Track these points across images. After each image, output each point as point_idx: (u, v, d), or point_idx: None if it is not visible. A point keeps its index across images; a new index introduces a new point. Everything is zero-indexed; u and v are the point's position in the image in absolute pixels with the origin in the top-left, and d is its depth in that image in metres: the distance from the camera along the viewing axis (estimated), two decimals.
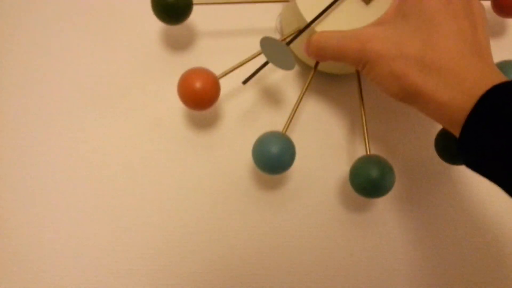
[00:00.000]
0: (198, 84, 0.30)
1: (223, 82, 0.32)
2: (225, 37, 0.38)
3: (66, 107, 0.36)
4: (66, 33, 0.38)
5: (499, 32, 0.41)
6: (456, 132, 0.25)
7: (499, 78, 0.24)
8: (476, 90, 0.23)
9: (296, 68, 0.38)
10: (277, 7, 0.39)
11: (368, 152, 0.32)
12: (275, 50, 0.30)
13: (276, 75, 0.38)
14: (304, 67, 0.38)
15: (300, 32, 0.31)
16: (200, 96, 0.31)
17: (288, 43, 0.31)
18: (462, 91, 0.24)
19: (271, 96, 0.37)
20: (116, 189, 0.35)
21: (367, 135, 0.32)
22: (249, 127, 0.36)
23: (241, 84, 0.33)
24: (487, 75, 0.24)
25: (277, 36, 0.39)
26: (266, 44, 0.30)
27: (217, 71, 0.33)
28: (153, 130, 0.36)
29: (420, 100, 0.26)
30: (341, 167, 0.36)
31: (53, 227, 0.34)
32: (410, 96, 0.27)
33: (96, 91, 0.37)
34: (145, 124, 0.36)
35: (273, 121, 0.37)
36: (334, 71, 0.37)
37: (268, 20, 0.39)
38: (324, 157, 0.36)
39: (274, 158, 0.29)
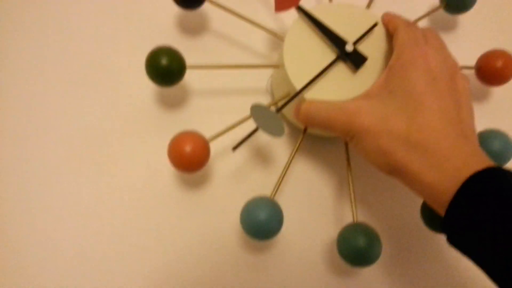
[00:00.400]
0: (188, 148, 0.31)
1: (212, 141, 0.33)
2: (218, 96, 0.39)
3: (56, 163, 0.36)
4: (60, 90, 0.38)
5: (482, 98, 0.42)
6: (441, 211, 0.25)
7: (482, 161, 0.25)
8: (460, 174, 0.24)
9: (286, 128, 0.39)
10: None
11: (355, 219, 0.32)
12: (265, 117, 0.30)
13: (266, 135, 0.38)
14: (294, 128, 0.39)
15: (289, 100, 0.32)
16: (189, 161, 0.31)
17: (278, 111, 0.31)
18: (446, 174, 0.24)
19: (260, 156, 0.38)
20: (101, 250, 0.34)
21: (355, 202, 0.32)
22: (237, 187, 0.36)
23: (231, 143, 0.33)
24: (470, 158, 0.25)
25: (268, 97, 0.39)
26: (256, 111, 0.30)
27: (209, 130, 0.33)
28: (142, 189, 0.36)
29: (406, 177, 0.27)
30: (329, 232, 0.36)
31: None
32: (396, 172, 0.27)
33: (87, 148, 0.37)
34: (134, 183, 0.36)
35: (262, 181, 0.37)
36: (323, 134, 0.37)
37: (260, 79, 0.40)
38: (311, 221, 0.36)
39: (261, 227, 0.29)
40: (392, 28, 0.33)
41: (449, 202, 0.24)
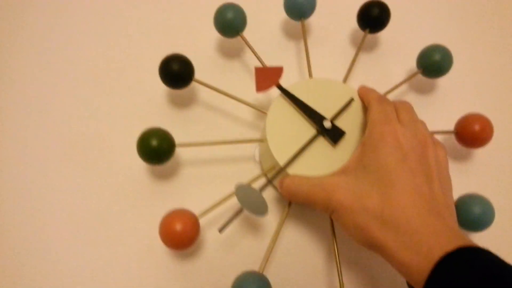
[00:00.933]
0: (178, 228, 0.32)
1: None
2: (207, 165, 0.41)
3: (52, 234, 0.38)
4: (55, 163, 0.40)
5: (464, 159, 0.43)
6: None
7: (455, 239, 0.25)
8: (432, 255, 0.24)
9: (276, 196, 0.40)
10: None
11: None
12: (250, 196, 0.32)
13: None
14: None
15: (273, 177, 0.34)
16: (180, 240, 0.32)
17: (261, 190, 0.33)
18: (419, 254, 0.25)
19: (250, 223, 0.39)
20: None
21: (341, 273, 0.33)
22: (227, 256, 0.37)
23: (222, 212, 0.34)
24: (443, 236, 0.25)
25: (257, 165, 0.41)
26: (241, 191, 0.32)
27: (201, 200, 0.35)
28: (131, 259, 0.37)
29: (383, 253, 0.27)
30: None
31: None
32: (374, 248, 0.28)
33: (80, 218, 0.38)
34: (124, 252, 0.37)
35: (252, 250, 0.38)
36: None
37: (248, 147, 0.41)
38: None
39: None
40: (366, 102, 0.35)
41: (423, 283, 0.24)
